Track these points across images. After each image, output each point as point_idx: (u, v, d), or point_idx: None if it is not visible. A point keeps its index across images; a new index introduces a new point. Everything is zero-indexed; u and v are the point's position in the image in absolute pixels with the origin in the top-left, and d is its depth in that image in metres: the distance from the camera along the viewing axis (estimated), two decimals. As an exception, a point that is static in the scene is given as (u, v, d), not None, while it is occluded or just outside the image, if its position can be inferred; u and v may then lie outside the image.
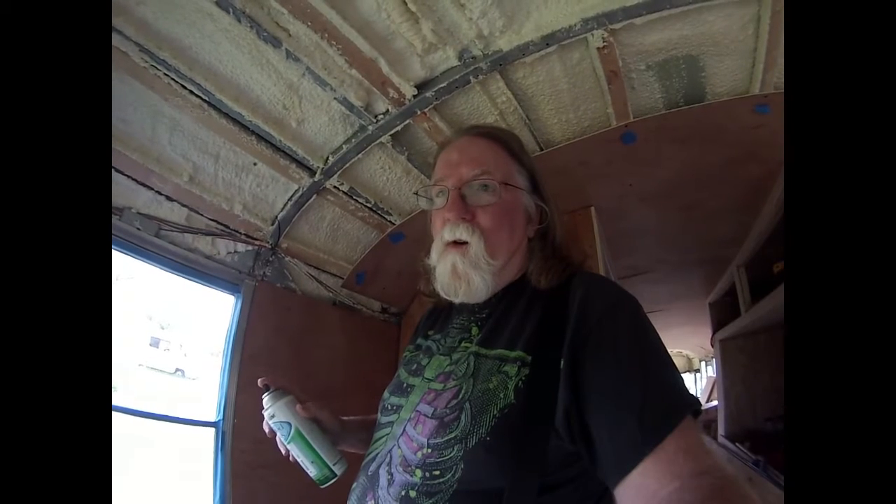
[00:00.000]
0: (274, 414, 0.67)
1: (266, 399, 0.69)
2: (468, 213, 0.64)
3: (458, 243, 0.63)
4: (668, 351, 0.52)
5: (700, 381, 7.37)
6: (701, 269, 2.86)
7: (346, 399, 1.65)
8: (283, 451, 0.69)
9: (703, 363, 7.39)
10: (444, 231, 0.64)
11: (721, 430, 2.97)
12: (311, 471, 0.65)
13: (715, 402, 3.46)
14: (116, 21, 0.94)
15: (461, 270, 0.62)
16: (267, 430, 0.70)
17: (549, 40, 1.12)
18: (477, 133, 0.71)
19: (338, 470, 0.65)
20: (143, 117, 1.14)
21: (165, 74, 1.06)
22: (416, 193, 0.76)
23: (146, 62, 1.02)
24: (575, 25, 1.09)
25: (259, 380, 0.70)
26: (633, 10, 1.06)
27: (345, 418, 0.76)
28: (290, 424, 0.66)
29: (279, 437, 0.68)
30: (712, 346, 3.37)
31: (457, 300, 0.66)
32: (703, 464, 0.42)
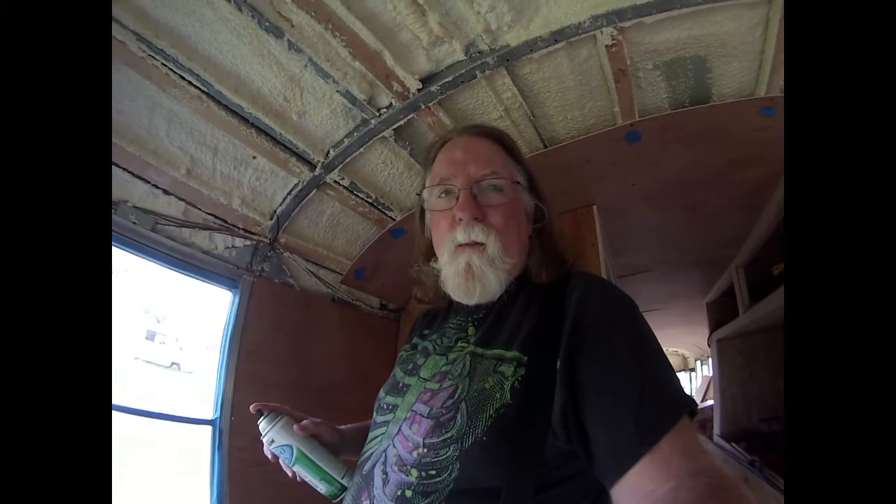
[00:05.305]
0: (273, 439, 0.66)
1: (262, 425, 0.67)
2: (480, 213, 0.63)
3: (470, 244, 0.62)
4: (665, 351, 0.52)
5: (695, 381, 7.43)
6: (699, 269, 2.86)
7: (344, 396, 1.65)
8: (290, 474, 0.68)
9: (698, 362, 7.45)
10: (457, 232, 0.63)
11: (717, 429, 3.00)
12: (321, 488, 0.65)
13: (710, 402, 3.49)
14: (114, 9, 0.91)
15: (476, 269, 0.61)
16: (269, 455, 0.69)
17: (557, 36, 1.10)
18: (477, 132, 0.71)
19: (347, 482, 0.64)
20: (140, 108, 1.11)
21: (163, 64, 1.03)
22: (419, 194, 0.74)
23: (144, 51, 0.99)
24: (584, 22, 1.08)
25: (251, 406, 0.69)
26: (644, 9, 1.05)
27: (342, 427, 0.75)
28: (291, 447, 0.65)
29: (282, 461, 0.67)
30: (709, 345, 3.39)
31: (472, 302, 0.64)
32: (699, 464, 0.42)
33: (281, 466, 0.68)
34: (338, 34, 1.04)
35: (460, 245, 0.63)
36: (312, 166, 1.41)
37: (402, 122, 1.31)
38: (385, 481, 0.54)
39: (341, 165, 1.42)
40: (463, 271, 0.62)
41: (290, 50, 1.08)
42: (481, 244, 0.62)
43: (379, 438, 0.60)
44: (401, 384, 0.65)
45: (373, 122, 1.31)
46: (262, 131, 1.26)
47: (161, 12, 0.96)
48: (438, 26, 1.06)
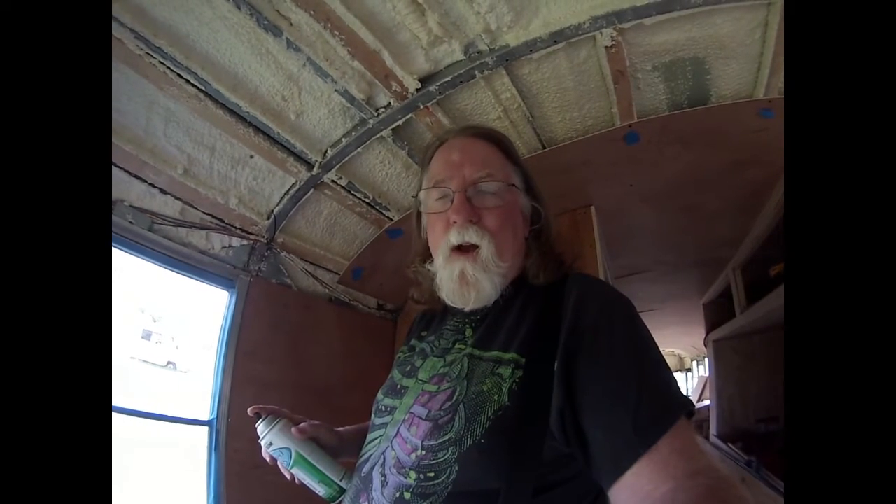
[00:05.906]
0: (271, 442, 0.66)
1: (260, 428, 0.67)
2: (475, 216, 0.62)
3: (464, 248, 0.62)
4: (661, 351, 0.52)
5: (691, 381, 7.45)
6: (697, 270, 2.87)
7: (342, 396, 1.64)
8: (288, 476, 0.68)
9: (694, 363, 7.47)
10: (451, 235, 0.62)
11: (713, 429, 3.01)
12: (320, 490, 0.65)
13: (706, 402, 3.50)
14: (112, 7, 0.90)
15: (471, 276, 0.61)
16: (268, 458, 0.69)
17: (557, 37, 1.10)
18: (474, 134, 0.70)
19: (345, 485, 0.64)
20: (137, 107, 1.10)
21: (161, 63, 1.02)
22: (415, 197, 0.74)
23: (141, 50, 0.98)
24: (584, 23, 1.08)
25: (249, 409, 0.69)
26: (643, 10, 1.05)
27: (341, 429, 0.75)
28: (289, 450, 0.65)
29: (281, 463, 0.67)
30: (705, 346, 3.41)
31: (468, 307, 0.64)
32: (697, 464, 0.42)
33: (279, 469, 0.68)
34: (336, 33, 1.04)
35: (454, 249, 0.63)
36: (310, 166, 1.40)
37: (400, 122, 1.31)
38: (384, 483, 0.54)
39: (339, 165, 1.41)
40: (457, 278, 0.62)
41: (288, 49, 1.07)
42: (475, 247, 0.62)
43: (377, 440, 0.60)
44: (399, 386, 0.65)
45: (371, 121, 1.30)
46: (260, 130, 1.26)
47: (159, 10, 0.96)
48: (438, 26, 1.06)
